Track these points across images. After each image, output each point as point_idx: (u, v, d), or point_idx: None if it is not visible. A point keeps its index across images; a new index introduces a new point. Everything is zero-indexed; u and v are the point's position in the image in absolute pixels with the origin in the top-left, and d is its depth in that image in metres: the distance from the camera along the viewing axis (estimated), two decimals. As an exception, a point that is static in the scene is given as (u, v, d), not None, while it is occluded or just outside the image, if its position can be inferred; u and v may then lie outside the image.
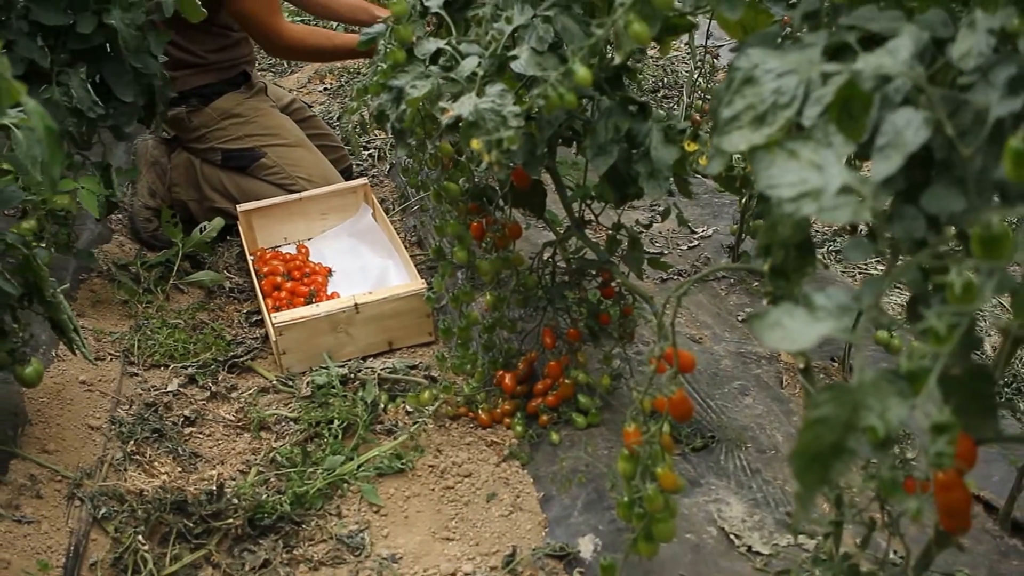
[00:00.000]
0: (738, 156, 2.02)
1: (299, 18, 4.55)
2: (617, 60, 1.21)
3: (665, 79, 4.28)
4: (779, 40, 1.17)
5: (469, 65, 1.50)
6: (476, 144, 1.29)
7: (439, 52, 1.64)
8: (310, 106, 3.74)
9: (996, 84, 0.84)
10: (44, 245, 1.83)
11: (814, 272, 1.08)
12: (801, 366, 1.22)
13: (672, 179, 1.71)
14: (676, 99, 3.98)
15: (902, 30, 0.91)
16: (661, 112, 1.64)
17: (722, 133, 0.99)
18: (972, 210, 0.83)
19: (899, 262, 0.95)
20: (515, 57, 1.45)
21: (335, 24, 4.03)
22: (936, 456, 0.74)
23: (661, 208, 2.18)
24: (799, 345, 0.80)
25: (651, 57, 4.26)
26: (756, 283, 2.56)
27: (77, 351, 1.89)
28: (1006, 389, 2.27)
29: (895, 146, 0.82)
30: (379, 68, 1.77)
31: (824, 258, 2.75)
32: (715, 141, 1.00)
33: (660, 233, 2.89)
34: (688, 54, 4.10)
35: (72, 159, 2.00)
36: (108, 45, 2.03)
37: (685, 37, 3.45)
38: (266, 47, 3.07)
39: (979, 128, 0.85)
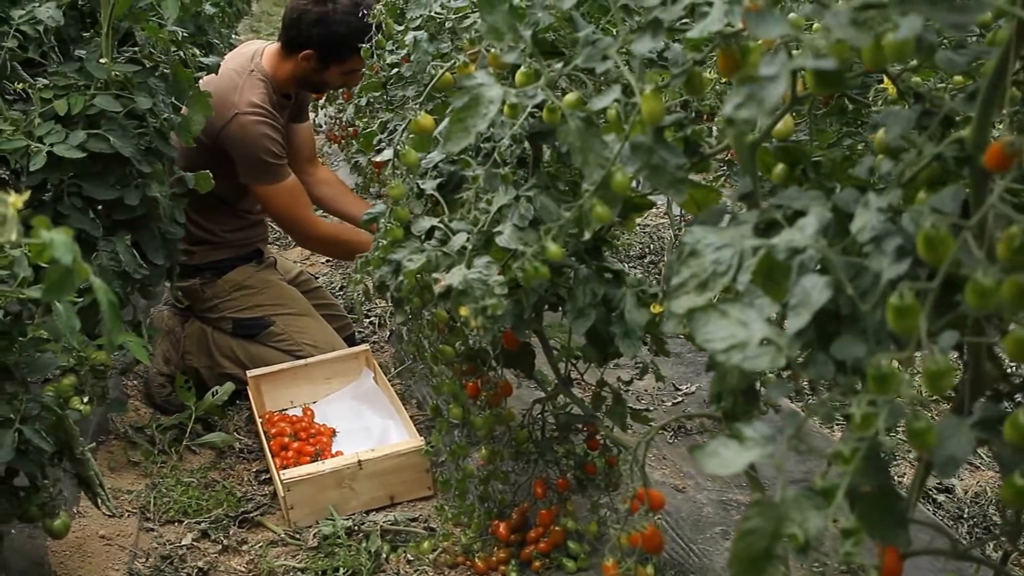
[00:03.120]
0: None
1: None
2: (586, 237, 1.40)
3: (651, 245, 4.53)
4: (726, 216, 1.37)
5: (459, 240, 1.69)
6: (464, 311, 1.47)
7: (433, 229, 1.84)
8: (316, 277, 3.97)
9: (887, 252, 1.04)
10: (87, 400, 2.00)
11: (760, 414, 1.25)
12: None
13: (650, 339, 1.89)
14: (660, 263, 4.21)
15: (811, 209, 1.11)
16: (636, 277, 1.82)
17: (672, 298, 1.18)
18: (872, 354, 1.01)
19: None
20: (500, 232, 1.64)
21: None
22: (846, 555, 0.90)
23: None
24: (732, 469, 0.96)
25: (639, 226, 4.51)
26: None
27: (101, 505, 2.03)
28: (976, 529, 2.40)
29: (804, 305, 1.00)
30: (380, 244, 1.96)
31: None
32: (666, 304, 1.18)
33: (646, 391, 3.05)
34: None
35: None
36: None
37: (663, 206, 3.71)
38: (297, 238, 3.26)
39: (876, 288, 1.04)
